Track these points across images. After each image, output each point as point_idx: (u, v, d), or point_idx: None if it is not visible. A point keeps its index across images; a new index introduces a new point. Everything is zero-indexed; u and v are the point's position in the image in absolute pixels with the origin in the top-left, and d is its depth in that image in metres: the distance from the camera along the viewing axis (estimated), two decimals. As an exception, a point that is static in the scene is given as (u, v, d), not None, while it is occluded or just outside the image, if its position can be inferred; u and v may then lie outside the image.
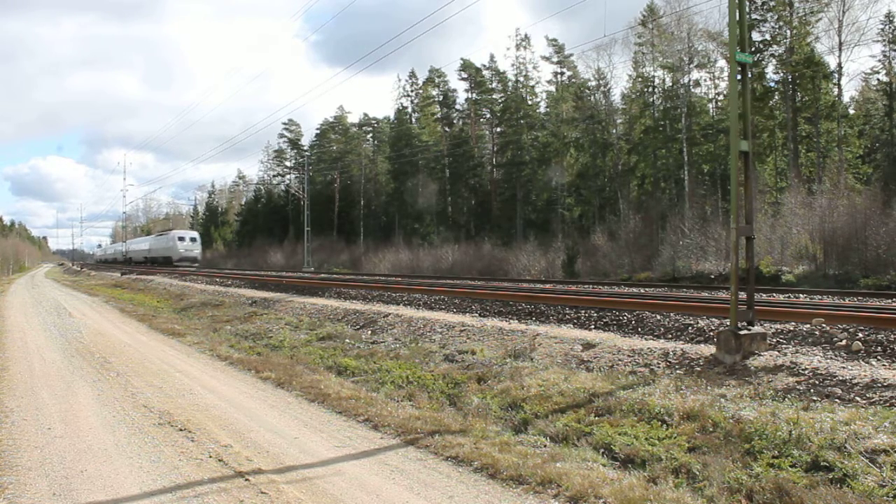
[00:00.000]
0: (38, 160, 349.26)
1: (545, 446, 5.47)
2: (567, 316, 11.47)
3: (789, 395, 5.83)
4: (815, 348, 7.49)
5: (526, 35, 52.76)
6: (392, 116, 65.01)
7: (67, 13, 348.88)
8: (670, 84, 41.65)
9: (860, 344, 7.30)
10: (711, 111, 42.26)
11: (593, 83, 47.36)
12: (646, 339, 9.15)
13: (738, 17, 7.61)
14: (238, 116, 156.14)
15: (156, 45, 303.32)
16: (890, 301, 12.05)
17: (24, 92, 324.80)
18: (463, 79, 57.38)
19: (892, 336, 7.34)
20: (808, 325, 8.21)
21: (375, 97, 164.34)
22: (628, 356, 7.80)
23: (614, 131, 46.14)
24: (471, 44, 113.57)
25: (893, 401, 5.37)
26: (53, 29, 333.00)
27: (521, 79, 53.33)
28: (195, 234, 63.57)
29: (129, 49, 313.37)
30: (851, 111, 39.10)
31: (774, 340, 7.84)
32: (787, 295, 14.10)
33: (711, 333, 8.67)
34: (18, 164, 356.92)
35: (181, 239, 58.78)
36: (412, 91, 63.67)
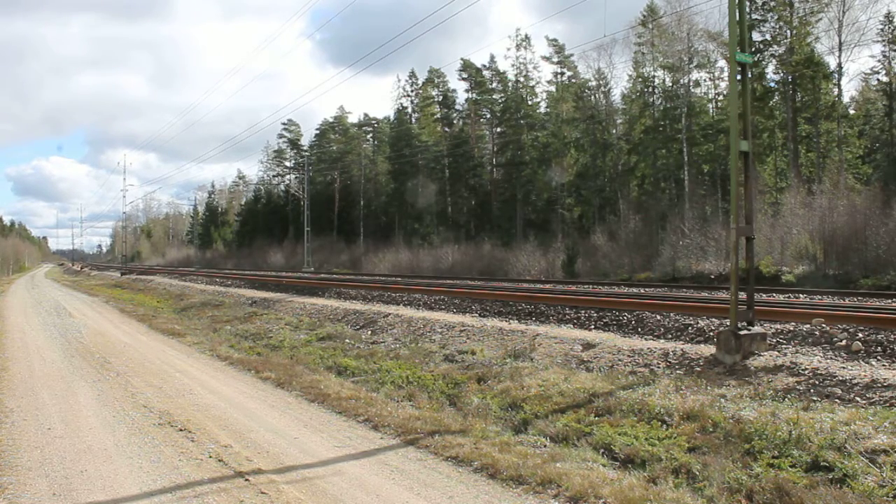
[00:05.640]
0: (41, 160, 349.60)
1: (545, 446, 5.47)
2: (567, 316, 11.48)
3: (789, 395, 5.83)
4: (814, 348, 7.49)
5: (526, 35, 52.73)
6: (392, 116, 65.00)
7: (74, 13, 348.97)
8: (670, 84, 41.61)
9: (860, 344, 7.30)
10: (711, 111, 42.19)
11: (593, 83, 47.30)
12: (646, 339, 9.15)
13: (738, 17, 7.61)
14: (243, 116, 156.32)
15: (162, 44, 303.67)
16: (890, 301, 12.05)
17: (30, 92, 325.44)
18: (463, 79, 57.35)
19: (891, 336, 7.34)
20: (808, 326, 8.22)
21: (376, 98, 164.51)
22: (628, 356, 7.80)
23: (614, 131, 46.10)
24: (477, 45, 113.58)
25: (893, 401, 5.37)
26: (60, 29, 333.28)
27: (522, 79, 53.30)
28: None
29: (135, 49, 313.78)
30: (851, 111, 39.02)
31: (774, 340, 7.84)
32: (786, 295, 14.09)
33: (711, 333, 8.67)
34: (21, 164, 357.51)
35: None
36: (412, 91, 63.64)
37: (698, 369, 6.99)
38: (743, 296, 7.55)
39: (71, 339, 13.08)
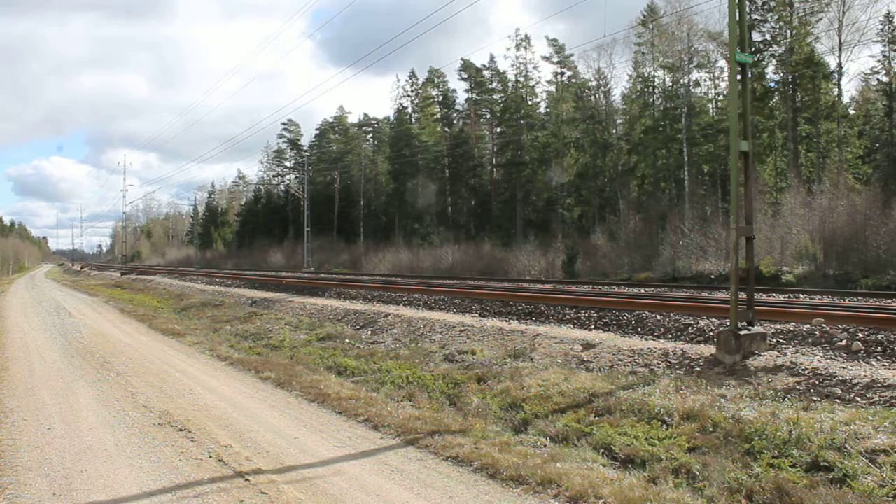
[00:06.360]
0: (41, 160, 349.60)
1: (545, 446, 5.47)
2: (567, 316, 11.48)
3: (789, 395, 5.83)
4: (815, 348, 7.49)
5: (526, 35, 52.70)
6: (392, 116, 64.99)
7: (74, 13, 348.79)
8: (670, 84, 41.63)
9: (860, 344, 7.30)
10: (711, 111, 42.20)
11: (593, 83, 47.32)
12: (646, 339, 9.16)
13: (738, 17, 7.61)
14: (243, 116, 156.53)
15: (163, 44, 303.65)
16: (890, 301, 12.05)
17: (30, 92, 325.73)
18: (463, 79, 57.32)
19: (891, 336, 7.35)
20: (808, 326, 8.22)
21: (376, 97, 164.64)
22: (628, 356, 7.80)
23: (614, 131, 46.10)
24: (477, 45, 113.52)
25: (893, 401, 5.37)
26: (60, 29, 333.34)
27: (522, 79, 53.29)
28: None
29: (136, 49, 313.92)
30: (851, 111, 38.98)
31: (774, 340, 7.84)
32: (786, 295, 14.10)
33: (711, 333, 8.67)
34: (22, 164, 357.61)
35: None
36: (412, 91, 63.64)
37: (698, 369, 6.99)
38: (743, 296, 7.55)
39: (71, 339, 13.08)
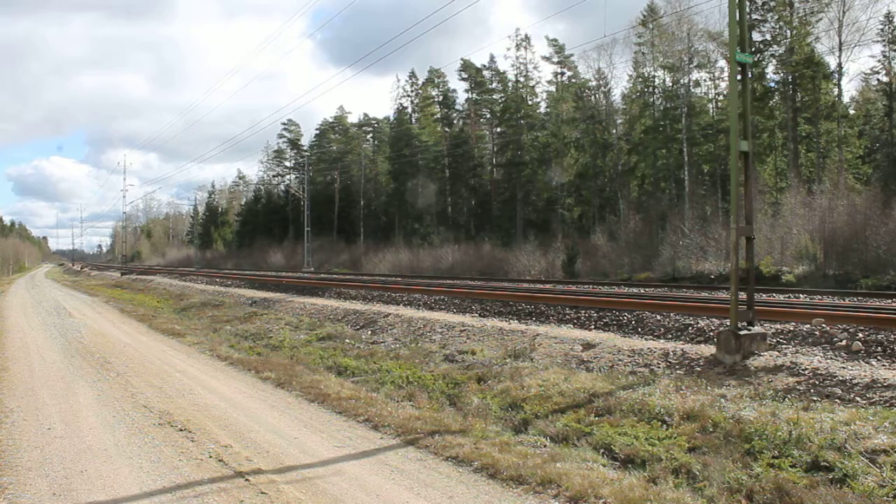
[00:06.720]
0: (41, 160, 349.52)
1: (545, 446, 5.47)
2: (567, 316, 11.48)
3: (789, 395, 5.83)
4: (815, 348, 7.49)
5: (526, 35, 52.68)
6: (392, 116, 64.98)
7: (75, 13, 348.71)
8: (670, 84, 41.63)
9: (860, 344, 7.31)
10: (711, 111, 42.20)
11: (594, 83, 47.32)
12: (646, 339, 9.16)
13: (738, 17, 7.61)
14: (243, 116, 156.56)
15: (163, 44, 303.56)
16: (890, 301, 12.05)
17: (30, 92, 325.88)
18: (463, 79, 57.31)
19: (891, 336, 7.35)
20: (808, 326, 8.22)
21: (376, 97, 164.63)
22: (628, 356, 7.81)
23: (614, 131, 46.09)
24: (477, 45, 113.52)
25: (893, 401, 5.37)
26: (61, 29, 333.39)
27: (522, 79, 53.26)
28: None
29: (136, 49, 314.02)
30: (851, 111, 38.96)
31: (774, 340, 7.84)
32: (787, 295, 14.10)
33: (711, 333, 8.67)
34: (22, 164, 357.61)
35: None
36: (412, 91, 63.63)
37: (698, 369, 6.99)
38: (743, 296, 7.55)
39: (71, 339, 13.08)
